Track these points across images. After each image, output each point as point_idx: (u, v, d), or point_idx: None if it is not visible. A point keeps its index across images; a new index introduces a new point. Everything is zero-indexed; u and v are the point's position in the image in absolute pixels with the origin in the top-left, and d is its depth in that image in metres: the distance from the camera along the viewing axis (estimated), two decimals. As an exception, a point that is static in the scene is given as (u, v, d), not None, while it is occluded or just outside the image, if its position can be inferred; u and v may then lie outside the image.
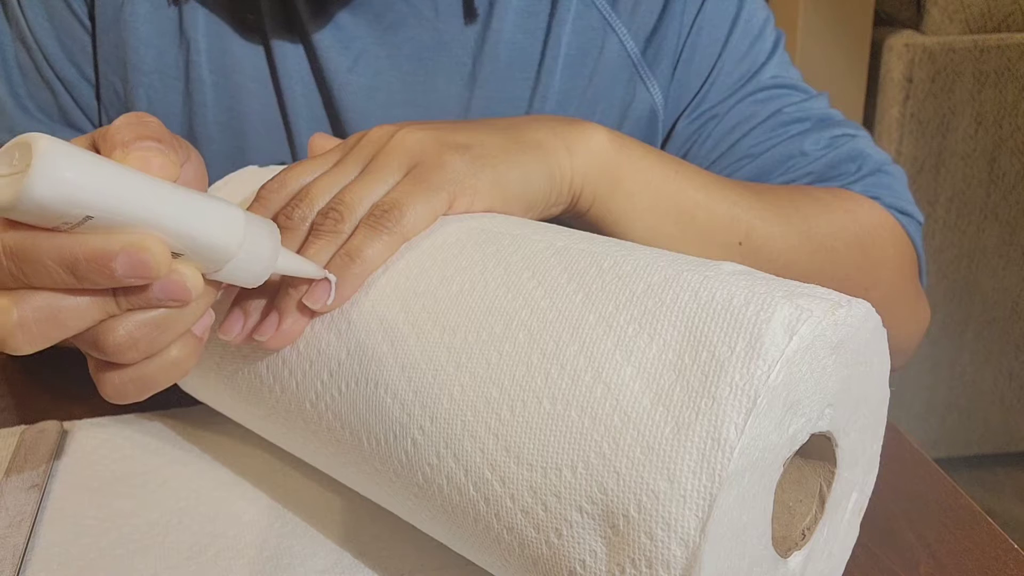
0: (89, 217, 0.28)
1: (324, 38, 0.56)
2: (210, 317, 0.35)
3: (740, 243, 0.50)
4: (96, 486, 0.46)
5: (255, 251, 0.33)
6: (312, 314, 0.38)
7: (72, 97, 0.58)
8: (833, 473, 0.35)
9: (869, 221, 0.56)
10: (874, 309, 0.33)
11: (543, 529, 0.31)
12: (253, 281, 0.34)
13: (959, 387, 1.56)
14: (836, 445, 0.34)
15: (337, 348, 0.37)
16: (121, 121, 0.33)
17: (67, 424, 0.51)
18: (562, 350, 0.32)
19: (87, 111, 0.59)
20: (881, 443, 0.38)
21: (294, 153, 0.59)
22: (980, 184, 1.46)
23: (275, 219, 0.40)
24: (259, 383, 0.40)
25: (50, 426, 0.50)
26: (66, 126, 0.59)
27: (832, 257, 0.53)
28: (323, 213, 0.39)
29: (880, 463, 0.39)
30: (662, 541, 0.28)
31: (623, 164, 0.47)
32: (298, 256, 0.37)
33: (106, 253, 0.29)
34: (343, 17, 0.57)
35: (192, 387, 0.47)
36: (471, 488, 0.33)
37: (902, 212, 0.58)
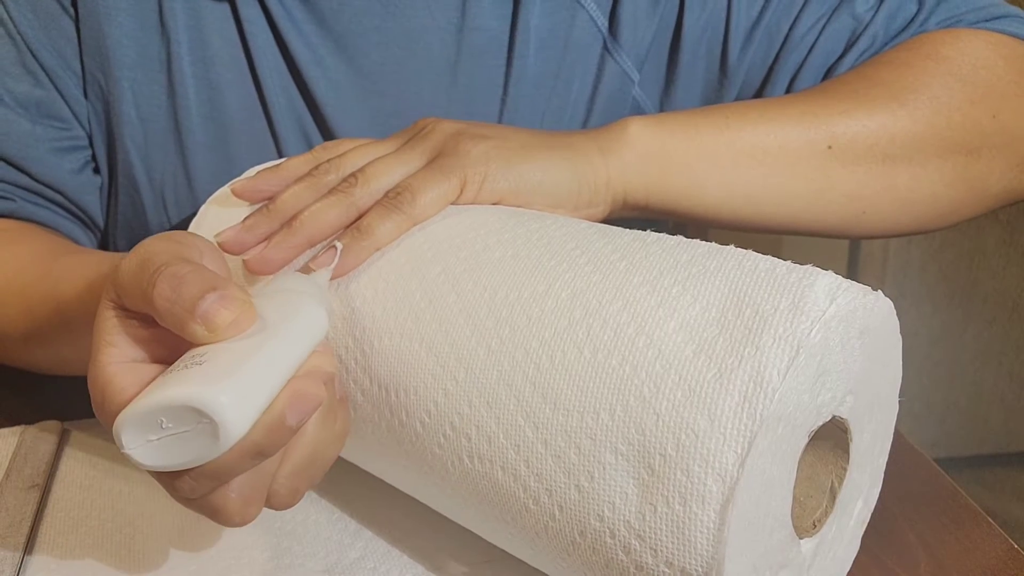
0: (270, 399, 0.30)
1: (289, 31, 0.56)
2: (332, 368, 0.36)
3: (830, 147, 0.48)
4: (96, 486, 0.46)
5: (322, 299, 0.35)
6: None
7: (56, 87, 0.58)
8: (845, 471, 0.35)
9: (962, 55, 0.51)
10: (895, 312, 0.34)
11: (574, 473, 0.32)
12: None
13: (959, 387, 1.56)
14: (851, 439, 0.35)
15: (373, 305, 0.38)
16: (171, 286, 0.32)
17: (67, 424, 0.51)
18: (605, 307, 0.33)
19: (70, 101, 0.58)
20: (887, 458, 0.39)
21: (277, 144, 0.59)
22: (980, 184, 1.45)
23: (311, 173, 0.43)
24: None
25: (50, 426, 0.50)
26: (46, 117, 0.58)
27: (936, 108, 0.50)
28: (345, 179, 0.42)
29: (880, 464, 0.39)
30: (699, 477, 0.29)
31: (666, 142, 0.47)
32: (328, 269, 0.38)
33: (281, 416, 0.30)
34: (301, 11, 0.56)
35: None
36: (501, 436, 0.33)
37: (992, 19, 0.53)
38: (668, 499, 0.29)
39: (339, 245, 0.38)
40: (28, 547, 0.41)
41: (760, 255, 0.34)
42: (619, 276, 0.33)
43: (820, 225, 0.52)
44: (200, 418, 0.28)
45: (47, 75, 0.57)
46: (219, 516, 0.32)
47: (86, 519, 0.44)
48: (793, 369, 0.29)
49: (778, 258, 0.34)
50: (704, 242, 0.35)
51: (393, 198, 0.40)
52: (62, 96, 0.58)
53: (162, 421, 0.29)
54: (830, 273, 0.32)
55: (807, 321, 0.30)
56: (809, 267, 0.32)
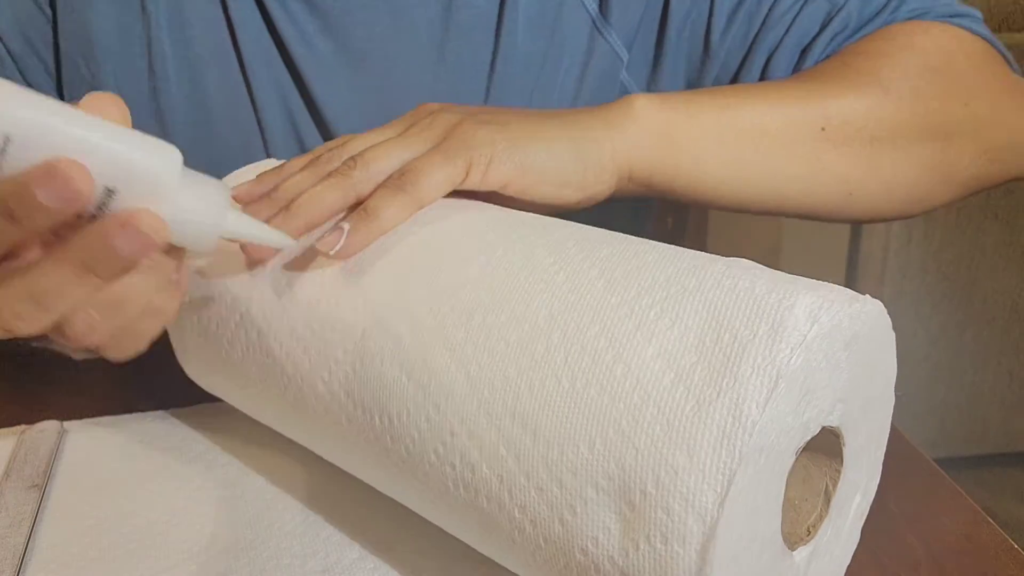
0: (7, 139, 0.28)
1: (275, 7, 0.56)
2: (185, 266, 0.36)
3: (823, 128, 0.50)
4: (96, 486, 0.46)
5: (200, 201, 0.33)
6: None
7: (19, 70, 0.58)
8: (839, 472, 0.35)
9: (935, 47, 0.54)
10: (885, 310, 0.33)
11: (557, 507, 0.31)
12: (205, 240, 0.34)
13: (959, 387, 1.57)
14: (844, 444, 0.34)
15: (352, 327, 0.38)
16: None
17: (67, 424, 0.51)
18: (583, 331, 0.32)
19: (35, 88, 0.58)
20: (884, 450, 0.39)
21: (261, 126, 0.59)
22: (980, 184, 1.45)
23: (312, 162, 0.43)
24: (271, 362, 0.41)
25: (50, 426, 0.50)
26: None
27: (916, 95, 0.52)
28: (344, 162, 0.42)
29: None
30: (679, 516, 0.29)
31: (671, 119, 0.48)
32: (257, 221, 0.37)
33: (25, 179, 0.29)
34: None
35: (198, 371, 0.47)
36: (484, 466, 0.33)
37: (953, 16, 0.56)
38: (650, 537, 0.29)
39: (345, 227, 0.39)
40: (28, 547, 0.41)
41: (742, 269, 0.33)
42: (597, 297, 0.33)
43: (810, 206, 0.53)
44: None
45: (13, 61, 0.57)
46: None
47: (85, 519, 0.44)
48: (773, 400, 0.28)
49: (778, 257, 0.33)
50: (685, 253, 0.35)
51: (397, 179, 0.40)
52: (26, 80, 0.58)
53: None
54: (813, 289, 0.31)
55: (787, 348, 0.29)
56: (790, 283, 0.31)
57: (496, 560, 0.37)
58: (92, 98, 0.32)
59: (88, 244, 0.31)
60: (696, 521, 0.28)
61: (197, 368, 0.47)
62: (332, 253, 0.38)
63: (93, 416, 0.52)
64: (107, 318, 0.33)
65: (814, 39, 0.57)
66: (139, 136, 0.31)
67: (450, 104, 0.46)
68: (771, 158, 0.50)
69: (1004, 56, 0.57)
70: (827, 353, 0.30)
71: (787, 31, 0.57)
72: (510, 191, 0.44)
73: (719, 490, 0.28)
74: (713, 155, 0.49)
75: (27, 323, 0.31)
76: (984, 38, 0.56)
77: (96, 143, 0.30)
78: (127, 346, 0.35)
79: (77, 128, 0.30)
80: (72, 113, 0.30)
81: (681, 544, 0.29)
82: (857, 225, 1.50)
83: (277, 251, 0.41)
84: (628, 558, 0.30)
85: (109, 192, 0.31)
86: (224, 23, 0.57)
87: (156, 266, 0.33)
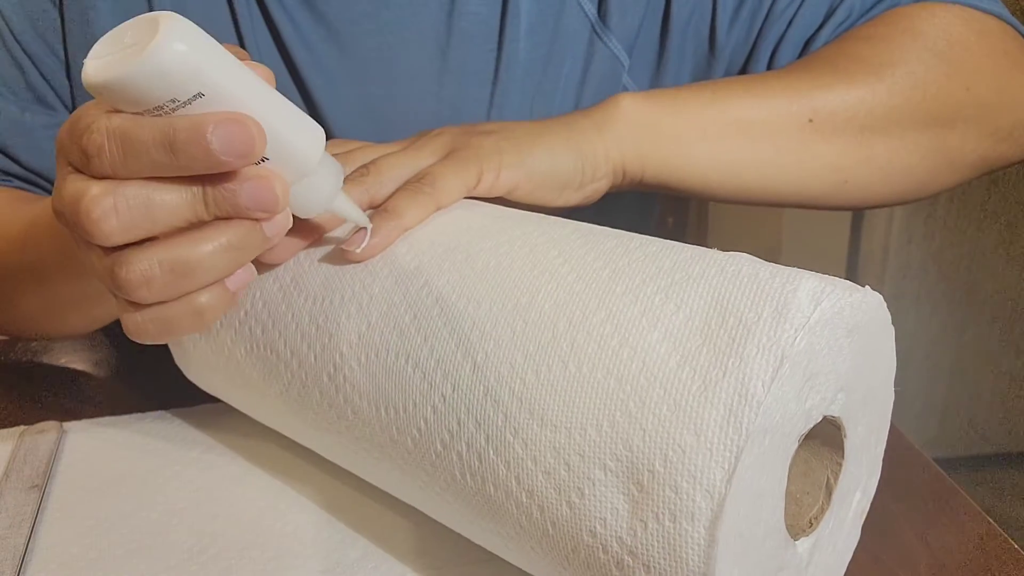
0: (200, 95, 0.30)
1: (280, 14, 0.57)
2: (249, 273, 0.36)
3: (811, 120, 0.50)
4: (96, 486, 0.46)
5: (325, 177, 0.36)
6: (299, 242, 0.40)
7: (41, 73, 0.58)
8: (840, 465, 0.36)
9: (937, 31, 0.53)
10: (885, 303, 0.34)
11: (565, 490, 0.31)
12: (310, 208, 0.36)
13: (959, 387, 1.57)
14: (845, 436, 0.35)
15: (358, 321, 0.38)
16: None
17: (67, 424, 0.51)
18: (588, 318, 0.32)
19: (58, 89, 0.58)
20: (884, 446, 0.39)
21: None
22: (980, 184, 1.46)
23: None
24: (275, 358, 0.41)
25: (50, 426, 0.50)
26: (36, 103, 0.58)
27: (913, 82, 0.51)
28: (356, 169, 0.43)
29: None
30: (687, 493, 0.29)
31: (656, 115, 0.49)
32: (354, 204, 0.39)
33: (203, 124, 0.30)
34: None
35: (198, 373, 0.47)
36: (491, 452, 0.33)
37: None
38: (658, 516, 0.29)
39: (369, 226, 0.39)
40: (28, 547, 0.41)
41: (745, 259, 0.33)
42: (602, 285, 0.33)
43: (803, 195, 0.53)
44: (151, 31, 0.29)
45: (31, 61, 0.57)
46: (89, 210, 0.31)
47: (85, 519, 0.44)
48: (778, 380, 0.29)
49: (778, 256, 0.34)
50: (688, 246, 0.35)
51: (415, 182, 0.41)
52: (48, 83, 0.58)
53: (127, 35, 0.29)
54: (815, 276, 0.32)
55: (791, 329, 0.29)
56: (793, 271, 0.32)
57: (500, 554, 0.37)
58: (257, 69, 0.33)
59: (218, 179, 0.32)
60: (704, 498, 0.29)
61: (197, 369, 0.47)
62: (359, 251, 0.39)
63: (93, 416, 0.52)
64: (166, 279, 0.33)
65: (818, 30, 0.57)
66: (299, 115, 0.34)
67: (449, 127, 0.47)
68: (759, 150, 0.50)
69: (1019, 31, 0.56)
70: (829, 340, 0.31)
71: (790, 23, 0.57)
72: (516, 196, 0.45)
73: (727, 467, 0.28)
74: (699, 148, 0.49)
75: (110, 224, 0.31)
76: (996, 15, 0.55)
77: (270, 121, 0.32)
78: (154, 327, 0.35)
79: (260, 105, 0.32)
80: (258, 85, 0.32)
81: (690, 521, 0.29)
82: (858, 219, 1.50)
83: (289, 254, 0.41)
84: (636, 537, 0.30)
85: (262, 160, 0.33)
86: (231, 28, 0.57)
87: (241, 243, 0.34)
